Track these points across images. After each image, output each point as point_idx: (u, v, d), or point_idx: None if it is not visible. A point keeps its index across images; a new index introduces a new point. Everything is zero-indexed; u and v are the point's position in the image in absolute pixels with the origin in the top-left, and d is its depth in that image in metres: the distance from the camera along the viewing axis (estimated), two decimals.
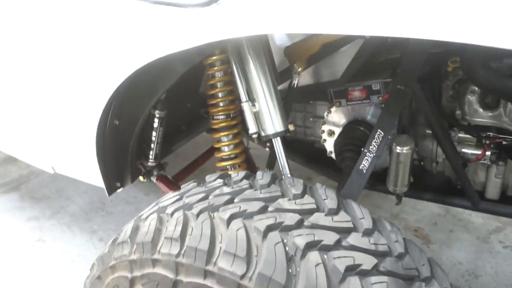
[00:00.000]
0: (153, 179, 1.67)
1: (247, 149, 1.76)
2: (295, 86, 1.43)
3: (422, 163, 1.70)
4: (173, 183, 1.66)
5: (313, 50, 1.36)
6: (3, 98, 1.66)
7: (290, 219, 0.86)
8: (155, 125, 1.48)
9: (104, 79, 1.21)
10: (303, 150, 2.02)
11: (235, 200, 0.93)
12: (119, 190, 1.55)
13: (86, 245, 2.12)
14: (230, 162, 1.43)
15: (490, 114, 1.38)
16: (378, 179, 1.72)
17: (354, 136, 1.65)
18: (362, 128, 1.65)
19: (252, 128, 1.24)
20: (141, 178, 1.64)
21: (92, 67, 1.25)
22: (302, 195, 0.93)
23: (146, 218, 1.00)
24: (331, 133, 1.78)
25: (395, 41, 1.41)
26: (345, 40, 1.39)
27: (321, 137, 1.78)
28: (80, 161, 1.53)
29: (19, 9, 1.40)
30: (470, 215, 2.33)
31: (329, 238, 0.83)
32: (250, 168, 1.60)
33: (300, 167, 2.15)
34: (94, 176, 1.48)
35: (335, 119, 1.75)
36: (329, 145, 1.77)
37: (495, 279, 1.96)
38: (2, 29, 1.46)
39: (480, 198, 1.60)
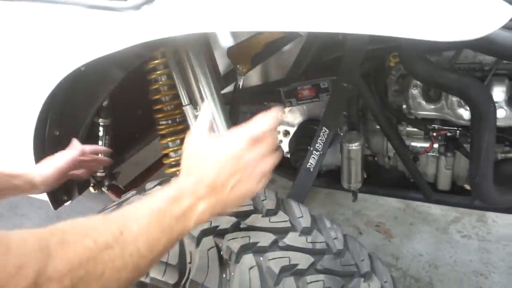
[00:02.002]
0: (105, 189, 1.62)
1: None
2: (240, 87, 1.42)
3: (375, 158, 1.72)
4: (124, 192, 1.61)
5: (256, 50, 1.35)
6: None
7: (226, 222, 0.84)
8: (100, 133, 1.43)
9: (35, 85, 1.17)
10: None
11: None
12: (66, 204, 1.50)
13: None
14: (178, 168, 1.39)
15: (433, 106, 1.41)
16: (335, 177, 1.73)
17: (307, 135, 1.65)
18: (314, 127, 1.65)
19: None
20: (91, 189, 1.59)
21: (23, 72, 1.20)
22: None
23: None
24: (286, 133, 1.78)
25: (337, 39, 1.41)
26: (287, 38, 1.38)
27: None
28: None
29: None
30: (429, 208, 2.37)
31: (265, 239, 0.82)
32: None
33: None
34: None
35: (290, 119, 1.75)
36: (285, 145, 1.77)
37: (454, 268, 1.99)
38: None
39: (434, 190, 1.62)
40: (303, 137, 1.67)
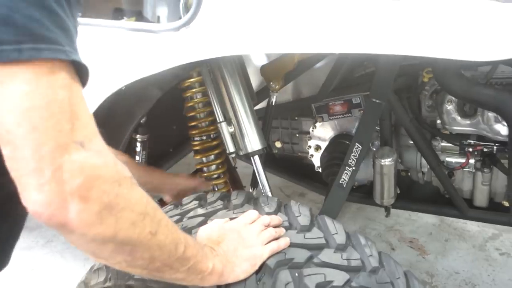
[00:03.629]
0: None
1: (234, 168, 1.76)
2: (273, 104, 1.45)
3: (408, 174, 1.70)
4: (161, 206, 1.65)
5: (288, 68, 1.37)
6: None
7: None
8: (138, 149, 1.49)
9: None
10: (293, 166, 2.03)
11: (208, 222, 0.92)
12: None
13: (79, 272, 2.10)
14: (212, 183, 1.43)
15: (468, 122, 1.39)
16: (367, 192, 1.72)
17: (339, 150, 1.66)
18: (346, 142, 1.66)
19: (230, 148, 1.25)
20: None
21: None
22: (275, 213, 0.93)
23: None
24: (317, 148, 1.79)
25: (369, 56, 1.42)
26: (319, 56, 1.41)
27: (308, 153, 1.79)
28: None
29: None
30: (465, 224, 2.31)
31: (301, 255, 0.83)
32: (236, 188, 1.60)
33: (293, 184, 2.15)
34: None
35: (320, 134, 1.76)
36: (316, 160, 1.78)
37: None
38: None
39: (469, 206, 1.59)
40: (335, 152, 1.68)
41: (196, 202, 1.04)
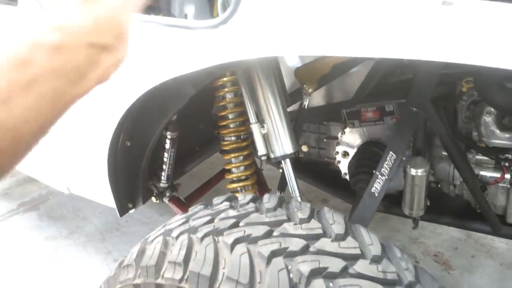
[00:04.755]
0: (166, 200, 1.67)
1: (260, 170, 1.74)
2: (305, 107, 1.42)
3: (439, 185, 1.66)
4: (185, 205, 1.65)
5: (324, 71, 1.35)
6: None
7: (295, 244, 0.84)
8: (167, 146, 1.49)
9: (115, 102, 1.23)
10: (318, 171, 2.00)
11: (240, 224, 0.91)
12: (131, 211, 1.56)
13: (101, 266, 2.13)
14: (240, 184, 1.42)
15: (507, 135, 1.34)
16: (394, 202, 1.68)
17: (368, 158, 1.62)
18: (376, 150, 1.62)
19: (261, 150, 1.23)
20: (153, 199, 1.65)
21: (103, 89, 1.27)
22: (308, 220, 0.91)
23: (152, 241, 0.99)
24: (345, 154, 1.75)
25: (408, 62, 1.39)
26: (356, 60, 1.38)
27: (335, 158, 1.76)
28: (93, 182, 1.55)
29: None
30: (493, 240, 2.24)
31: (335, 265, 0.81)
32: (262, 190, 1.59)
33: (316, 189, 2.12)
34: (106, 196, 1.50)
35: (349, 140, 1.73)
36: (344, 166, 1.75)
37: None
38: None
39: (502, 222, 1.54)
40: (364, 159, 1.64)
41: (227, 203, 1.03)
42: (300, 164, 2.03)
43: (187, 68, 1.08)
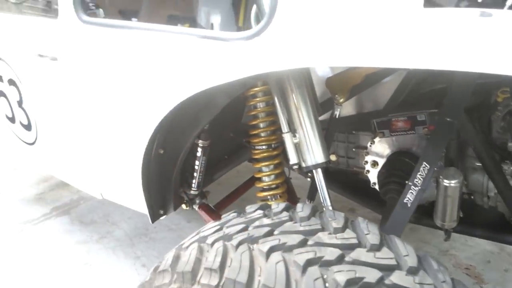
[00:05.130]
0: (195, 207, 1.69)
1: (288, 179, 1.75)
2: (336, 117, 1.43)
3: (472, 197, 1.62)
4: (215, 212, 1.67)
5: (355, 81, 1.35)
6: (60, 129, 1.77)
7: (331, 254, 0.84)
8: (198, 154, 1.51)
9: (151, 111, 1.27)
10: (346, 180, 1.99)
11: (275, 232, 0.92)
12: (162, 218, 1.59)
13: (130, 270, 2.17)
14: (271, 192, 1.43)
15: None
16: (425, 212, 1.65)
17: (398, 168, 1.61)
18: (407, 160, 1.61)
19: (292, 159, 1.24)
20: (183, 206, 1.67)
21: (139, 100, 1.31)
22: (343, 229, 0.91)
23: (187, 247, 1.01)
24: (374, 164, 1.74)
25: (440, 71, 1.38)
26: (388, 71, 1.38)
27: (364, 168, 1.75)
28: (126, 188, 1.59)
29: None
30: None
31: (371, 275, 0.80)
32: (291, 199, 1.59)
33: (343, 198, 2.11)
34: (139, 203, 1.53)
35: (379, 149, 1.72)
36: (373, 176, 1.74)
37: None
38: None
39: None
40: (394, 169, 1.63)
41: (260, 211, 1.04)
42: (328, 173, 2.02)
43: (221, 79, 1.11)
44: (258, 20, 1.20)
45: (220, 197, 1.95)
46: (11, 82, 1.88)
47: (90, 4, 1.56)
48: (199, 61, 1.18)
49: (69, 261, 2.25)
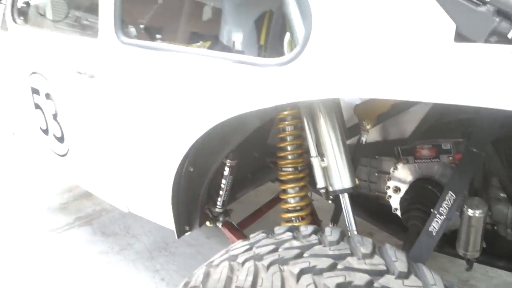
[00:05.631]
0: (219, 224, 1.73)
1: (311, 201, 1.77)
2: (363, 143, 1.46)
3: (495, 227, 1.62)
4: (238, 230, 1.71)
5: (383, 109, 1.39)
6: (92, 143, 1.83)
7: (360, 279, 0.86)
8: (226, 173, 1.55)
9: (185, 133, 1.32)
10: (367, 204, 2.00)
11: (305, 255, 0.95)
12: (187, 234, 1.63)
13: (149, 283, 2.20)
14: (295, 214, 1.45)
15: None
16: (446, 241, 1.65)
17: (422, 195, 1.62)
18: (430, 187, 1.62)
19: (320, 183, 1.27)
20: (208, 223, 1.71)
21: (174, 121, 1.36)
22: (371, 255, 0.94)
23: (217, 265, 1.04)
24: (397, 189, 1.76)
25: None
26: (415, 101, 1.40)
27: (386, 193, 1.76)
28: (155, 204, 1.63)
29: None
30: None
31: None
32: (314, 221, 1.62)
33: (362, 221, 2.11)
34: (166, 218, 1.57)
35: (402, 175, 1.73)
36: (395, 201, 1.75)
37: None
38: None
39: None
40: (417, 196, 1.64)
41: (289, 233, 1.07)
42: (349, 196, 2.04)
43: (254, 105, 1.15)
44: (291, 48, 1.25)
45: (238, 214, 1.98)
46: (48, 96, 1.97)
47: (129, 26, 1.64)
48: (233, 86, 1.23)
49: (91, 270, 2.30)
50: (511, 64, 0.85)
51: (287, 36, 1.29)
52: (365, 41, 1.07)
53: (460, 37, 1.11)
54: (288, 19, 1.24)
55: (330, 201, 1.65)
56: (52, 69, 1.90)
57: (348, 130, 1.55)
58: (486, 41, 1.13)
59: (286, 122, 1.42)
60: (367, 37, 1.08)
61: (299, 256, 0.95)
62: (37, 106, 2.08)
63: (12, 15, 2.14)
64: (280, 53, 1.29)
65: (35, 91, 2.05)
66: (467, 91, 0.86)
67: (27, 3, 2.36)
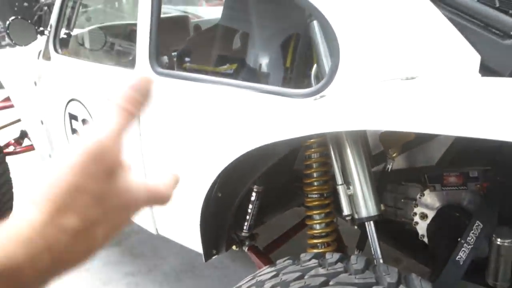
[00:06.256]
0: (245, 248, 1.76)
1: (337, 226, 1.79)
2: (389, 170, 1.47)
3: None
4: (264, 255, 1.73)
5: (408, 138, 1.40)
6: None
7: None
8: (253, 198, 1.59)
9: (215, 160, 1.37)
10: (393, 230, 1.99)
11: (330, 283, 0.97)
12: (214, 256, 1.66)
13: None
14: (321, 240, 1.47)
15: None
16: (474, 269, 1.63)
17: (449, 223, 1.61)
18: (457, 215, 1.61)
19: (346, 210, 1.29)
20: (234, 247, 1.74)
21: (206, 148, 1.43)
22: (397, 285, 0.95)
23: None
24: (423, 216, 1.75)
25: None
26: None
27: (412, 219, 1.76)
28: (184, 227, 1.68)
29: None
30: None
31: None
32: (340, 247, 1.63)
33: (388, 247, 2.10)
34: (194, 241, 1.62)
35: (429, 202, 1.73)
36: (421, 228, 1.74)
37: None
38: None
39: None
40: (444, 224, 1.63)
41: (315, 260, 1.09)
42: (375, 222, 2.03)
43: (283, 136, 1.19)
44: (318, 79, 1.30)
45: (262, 237, 2.01)
46: (84, 121, 2.07)
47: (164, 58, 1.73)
48: (262, 115, 1.28)
49: None
50: None
51: (314, 67, 1.34)
52: (389, 73, 1.11)
53: (485, 69, 1.14)
54: (315, 50, 1.29)
55: (356, 227, 1.66)
56: (89, 97, 2.01)
57: (374, 158, 1.57)
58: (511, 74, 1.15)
59: (313, 150, 1.45)
60: (390, 69, 1.12)
61: (325, 284, 0.97)
62: (74, 131, 2.19)
63: (54, 45, 2.29)
64: (309, 83, 1.34)
65: (73, 117, 2.17)
66: (492, 126, 0.87)
67: (68, 34, 2.52)
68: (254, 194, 1.58)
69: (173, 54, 2.31)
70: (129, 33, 2.54)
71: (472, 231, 1.28)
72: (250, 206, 1.61)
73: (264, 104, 1.27)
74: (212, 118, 1.41)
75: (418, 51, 1.10)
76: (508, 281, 1.49)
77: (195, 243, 1.61)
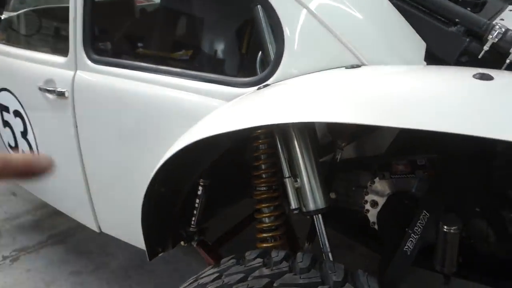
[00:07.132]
0: (194, 244, 1.69)
1: (289, 217, 1.75)
2: (338, 160, 1.44)
3: (472, 241, 1.62)
4: (212, 251, 1.67)
5: (356, 128, 1.37)
6: (60, 161, 1.77)
7: None
8: (199, 192, 1.52)
9: (152, 155, 1.28)
10: (345, 219, 1.98)
11: (274, 284, 0.92)
12: (160, 255, 1.58)
13: None
14: (270, 234, 1.42)
15: None
16: (424, 255, 1.65)
17: (398, 210, 1.61)
18: (406, 202, 1.61)
19: (293, 204, 1.25)
20: (182, 243, 1.67)
21: (142, 142, 1.33)
22: (343, 283, 0.91)
23: None
24: (374, 203, 1.74)
25: None
26: None
27: (363, 207, 1.75)
28: (126, 224, 1.58)
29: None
30: None
31: None
32: (290, 239, 1.59)
33: (342, 236, 2.10)
34: (137, 239, 1.52)
35: (379, 189, 1.72)
36: (372, 216, 1.73)
37: None
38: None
39: None
40: (393, 211, 1.63)
41: (260, 260, 1.03)
42: (328, 211, 2.02)
43: (222, 128, 1.11)
44: (263, 67, 1.23)
45: (213, 229, 1.94)
46: (16, 113, 1.90)
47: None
48: (203, 106, 1.20)
49: None
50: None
51: (259, 55, 1.27)
52: (336, 62, 1.06)
53: (431, 57, 1.11)
54: (260, 36, 1.21)
55: (308, 216, 1.63)
56: (21, 87, 1.84)
57: (323, 148, 1.53)
58: (457, 61, 1.12)
59: (260, 141, 1.39)
60: (337, 58, 1.07)
61: (269, 285, 0.92)
62: (6, 124, 2.01)
63: None
64: (254, 72, 1.27)
65: (4, 108, 1.98)
66: (427, 116, 0.84)
67: None
68: (200, 188, 1.51)
69: (114, 40, 2.16)
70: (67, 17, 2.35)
71: (419, 221, 1.27)
72: (197, 200, 1.54)
73: (204, 94, 1.19)
74: (149, 110, 1.31)
75: (363, 37, 1.06)
76: (454, 266, 1.51)
77: (140, 241, 1.51)
